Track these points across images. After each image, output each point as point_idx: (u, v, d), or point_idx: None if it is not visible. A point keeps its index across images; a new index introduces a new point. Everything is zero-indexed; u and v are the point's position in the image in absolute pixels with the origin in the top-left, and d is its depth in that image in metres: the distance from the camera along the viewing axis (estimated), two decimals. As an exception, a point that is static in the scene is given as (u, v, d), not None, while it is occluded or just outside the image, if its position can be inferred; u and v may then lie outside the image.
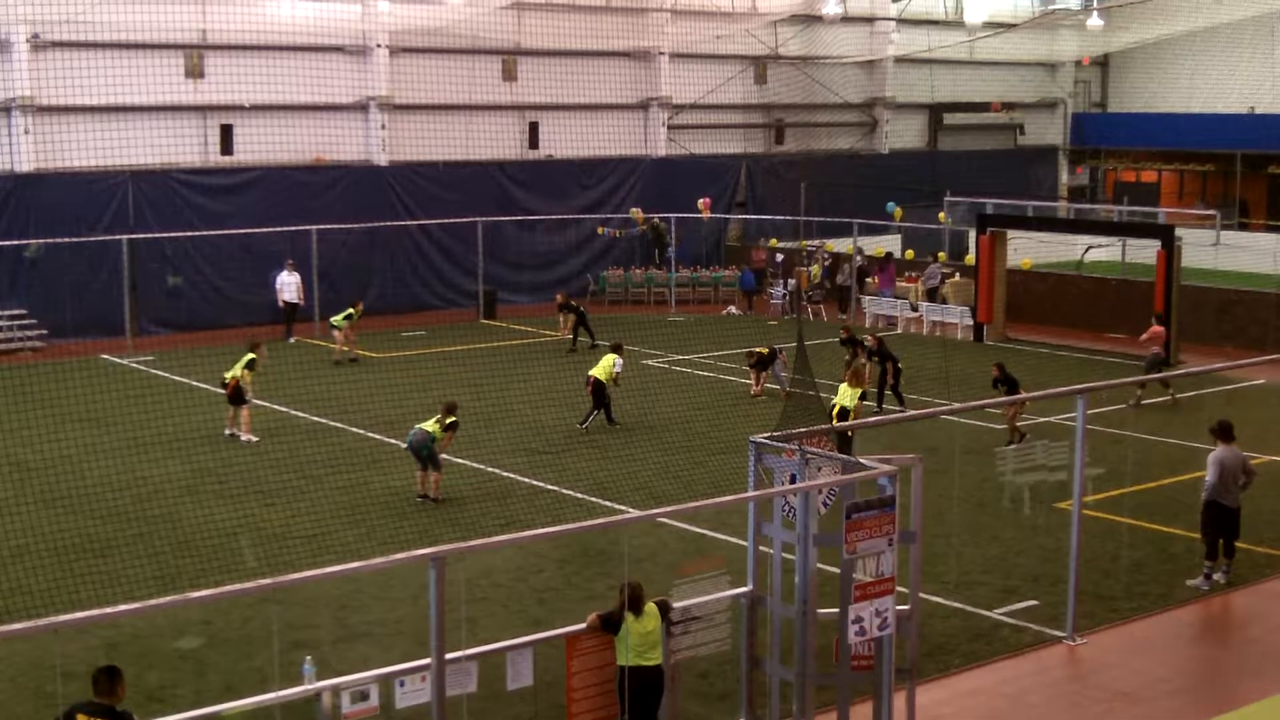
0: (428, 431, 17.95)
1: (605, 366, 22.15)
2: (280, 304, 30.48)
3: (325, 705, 9.07)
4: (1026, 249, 33.67)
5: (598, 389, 21.93)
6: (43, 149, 30.03)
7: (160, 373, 25.99)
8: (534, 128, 37.07)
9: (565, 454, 20.36)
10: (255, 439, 21.08)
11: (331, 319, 28.06)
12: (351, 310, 27.80)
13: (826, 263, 35.23)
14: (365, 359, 27.80)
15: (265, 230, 30.81)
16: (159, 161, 31.21)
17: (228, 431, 21.41)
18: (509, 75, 36.41)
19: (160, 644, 12.89)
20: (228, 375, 21.33)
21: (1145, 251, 30.34)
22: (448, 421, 18.19)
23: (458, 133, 34.91)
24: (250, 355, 21.59)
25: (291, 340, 29.53)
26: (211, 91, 32.06)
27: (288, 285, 30.42)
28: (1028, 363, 27.66)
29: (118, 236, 29.54)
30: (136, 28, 29.39)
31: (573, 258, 36.84)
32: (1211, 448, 15.09)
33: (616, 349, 22.78)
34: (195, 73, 31.98)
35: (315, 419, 22.49)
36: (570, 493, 18.32)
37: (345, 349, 27.61)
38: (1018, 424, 20.53)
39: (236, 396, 21.27)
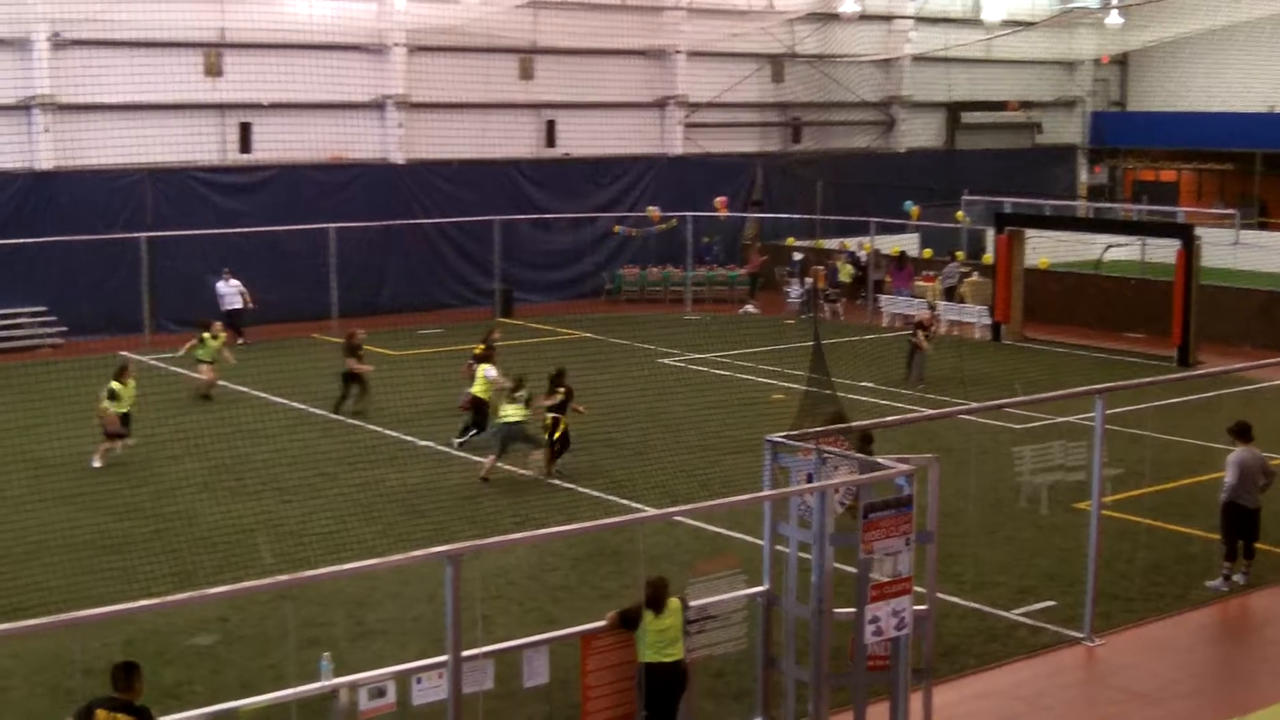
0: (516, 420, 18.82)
1: (481, 382, 20.71)
2: (223, 311, 29.06)
3: (342, 702, 9.09)
4: (1044, 248, 33.55)
5: (477, 405, 20.56)
6: (62, 147, 30.15)
7: (179, 370, 26.07)
8: (550, 126, 37.08)
9: (581, 452, 20.32)
10: (99, 465, 19.34)
11: (198, 352, 24.60)
12: (208, 335, 24.72)
13: (862, 261, 35.19)
14: (379, 358, 27.82)
15: (282, 229, 30.86)
16: (177, 160, 31.33)
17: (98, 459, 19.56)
18: (525, 74, 36.42)
19: (177, 640, 12.94)
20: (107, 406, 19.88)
21: (1164, 251, 30.21)
22: (519, 395, 19.02)
23: (474, 131, 34.96)
24: (112, 384, 20.05)
25: (240, 342, 28.20)
26: (230, 90, 32.09)
27: (227, 295, 29.61)
28: (1045, 362, 27.58)
29: (136, 235, 29.65)
30: (156, 26, 29.51)
31: (589, 256, 36.86)
32: (1230, 449, 15.03)
33: (485, 358, 21.20)
34: (214, 71, 32.05)
35: (332, 416, 22.54)
36: (586, 491, 18.32)
37: (209, 379, 24.31)
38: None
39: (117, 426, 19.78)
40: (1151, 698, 12.08)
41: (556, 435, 19.18)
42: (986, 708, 11.89)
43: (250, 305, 29.79)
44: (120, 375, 20.33)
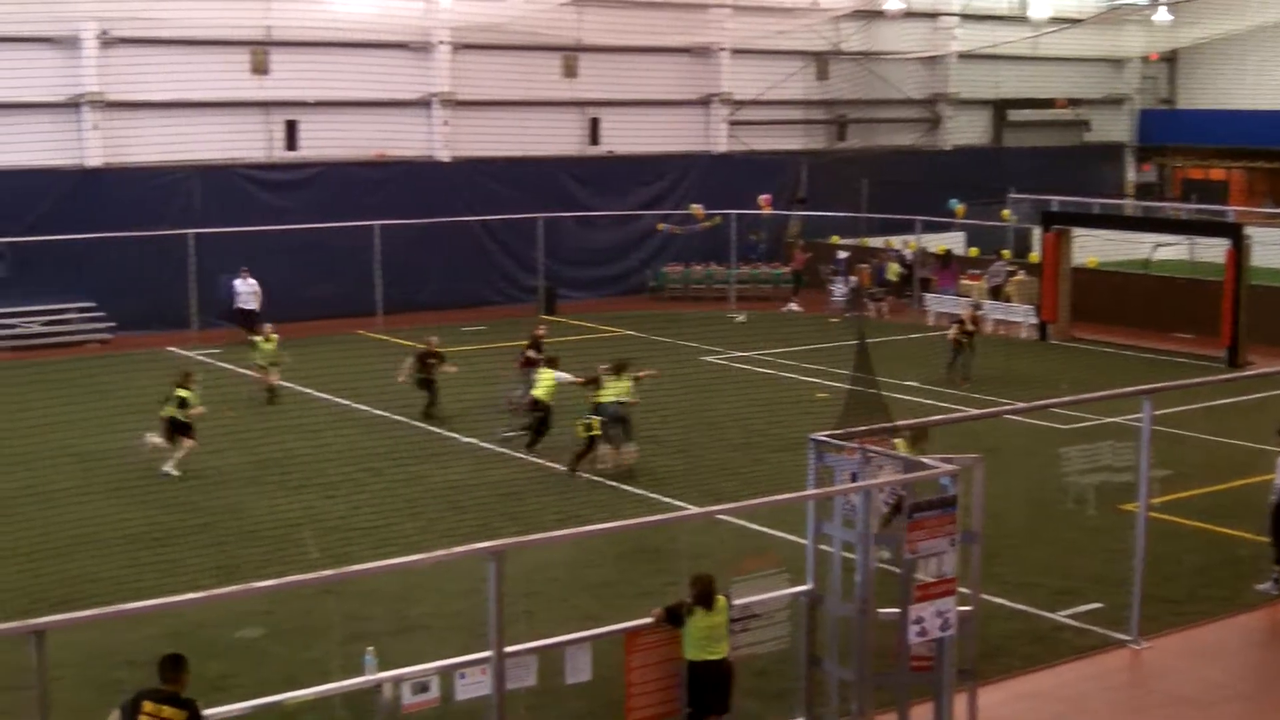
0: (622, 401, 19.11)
1: (547, 384, 20.22)
2: (235, 309, 29.39)
3: (386, 696, 9.13)
4: (1092, 247, 33.25)
5: (537, 407, 20.17)
6: (110, 144, 30.50)
7: (226, 365, 26.29)
8: (594, 124, 37.12)
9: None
10: (177, 473, 18.92)
11: (254, 355, 24.42)
12: (260, 339, 24.47)
13: (908, 260, 35.02)
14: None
15: (327, 225, 31.06)
16: (224, 157, 31.60)
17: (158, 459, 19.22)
18: (569, 72, 36.47)
19: (222, 633, 13.03)
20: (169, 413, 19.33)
21: (1213, 250, 29.85)
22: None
23: (518, 129, 35.08)
24: (181, 393, 19.30)
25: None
26: (276, 88, 32.37)
27: (242, 293, 29.61)
28: (1093, 362, 27.32)
29: (183, 231, 29.91)
30: (203, 24, 29.82)
31: (632, 253, 36.89)
32: (1280, 450, 14.83)
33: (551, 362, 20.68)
34: (260, 69, 32.31)
35: (376, 412, 22.66)
36: (628, 488, 18.32)
37: (268, 380, 23.96)
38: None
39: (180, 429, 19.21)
40: (1198, 702, 11.94)
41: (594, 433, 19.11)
42: (1028, 710, 11.78)
43: (258, 309, 29.45)
44: (185, 381, 19.65)
